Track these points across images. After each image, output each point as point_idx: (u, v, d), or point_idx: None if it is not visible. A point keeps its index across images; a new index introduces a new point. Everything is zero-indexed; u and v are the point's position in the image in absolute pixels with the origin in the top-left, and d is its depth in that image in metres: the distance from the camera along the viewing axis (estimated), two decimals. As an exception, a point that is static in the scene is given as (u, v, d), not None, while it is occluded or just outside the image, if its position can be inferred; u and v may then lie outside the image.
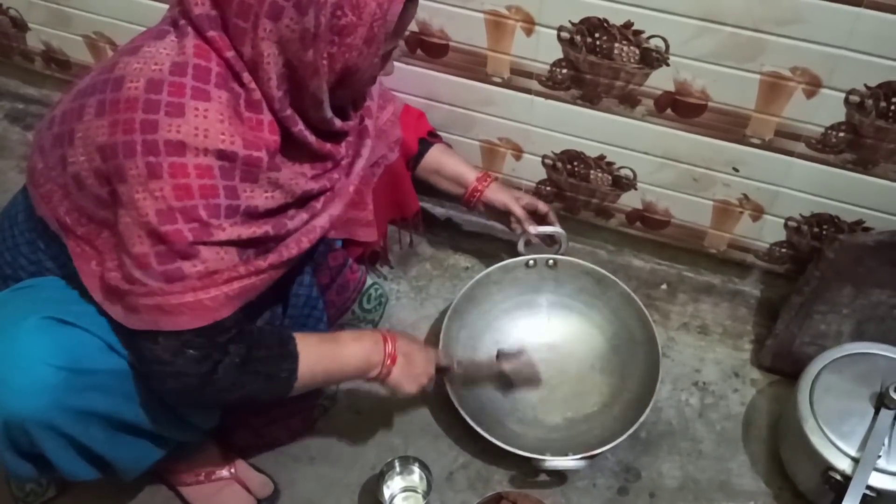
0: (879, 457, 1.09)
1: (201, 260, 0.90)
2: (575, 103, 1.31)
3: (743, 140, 1.25)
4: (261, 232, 0.96)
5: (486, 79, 1.34)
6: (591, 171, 1.42)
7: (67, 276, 0.99)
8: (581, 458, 1.18)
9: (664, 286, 1.50)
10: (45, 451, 0.94)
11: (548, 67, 1.28)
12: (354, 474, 1.26)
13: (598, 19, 1.18)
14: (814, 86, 1.14)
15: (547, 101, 1.33)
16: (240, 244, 0.94)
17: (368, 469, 1.27)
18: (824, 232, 1.33)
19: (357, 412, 1.33)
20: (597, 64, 1.24)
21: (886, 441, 1.10)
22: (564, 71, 1.27)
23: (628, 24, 1.17)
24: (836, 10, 1.05)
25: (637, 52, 1.20)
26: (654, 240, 1.49)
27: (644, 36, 1.17)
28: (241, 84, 0.92)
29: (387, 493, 1.20)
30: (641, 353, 1.30)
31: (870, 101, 1.12)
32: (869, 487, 1.07)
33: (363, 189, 1.21)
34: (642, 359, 1.30)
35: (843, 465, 1.10)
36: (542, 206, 1.39)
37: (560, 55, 1.25)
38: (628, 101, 1.27)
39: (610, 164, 1.39)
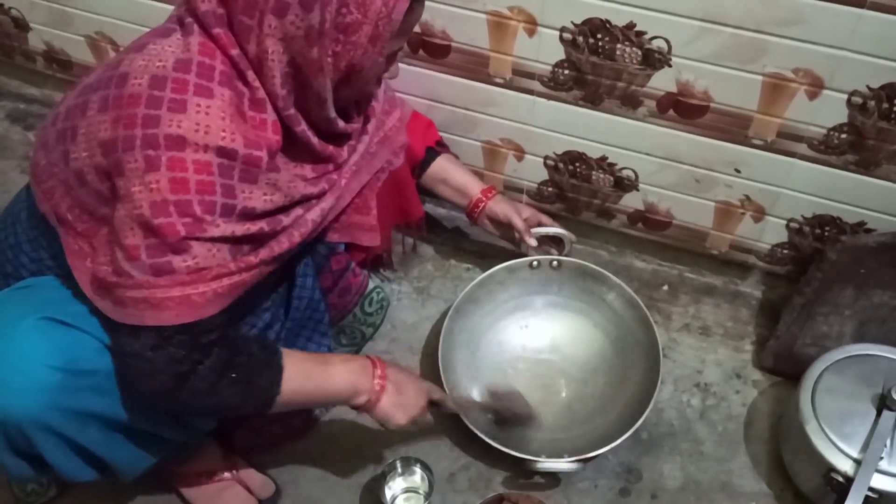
0: (881, 458, 1.09)
1: (192, 255, 0.89)
2: (577, 104, 1.31)
3: (745, 141, 1.25)
4: (255, 229, 0.96)
5: (488, 79, 1.34)
6: (593, 172, 1.42)
7: (66, 275, 0.98)
8: (575, 461, 1.18)
9: (666, 287, 1.50)
10: (42, 452, 0.93)
11: (550, 68, 1.28)
12: (356, 475, 1.26)
13: (601, 20, 1.18)
14: (816, 87, 1.14)
15: (549, 102, 1.33)
16: (232, 241, 0.93)
17: (370, 470, 1.27)
18: (826, 233, 1.33)
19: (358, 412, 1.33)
20: (599, 65, 1.24)
21: (888, 442, 1.10)
22: (566, 72, 1.27)
23: (630, 26, 1.17)
24: (838, 12, 1.05)
25: (639, 53, 1.20)
26: (656, 241, 1.49)
27: (646, 37, 1.17)
28: (246, 83, 0.92)
29: (388, 493, 1.20)
30: (643, 354, 1.30)
31: (872, 103, 1.12)
32: (871, 489, 1.07)
33: (367, 194, 1.21)
34: (644, 360, 1.29)
35: (845, 466, 1.10)
36: (546, 219, 1.39)
37: (562, 56, 1.25)
38: (630, 102, 1.27)
39: (612, 165, 1.39)
